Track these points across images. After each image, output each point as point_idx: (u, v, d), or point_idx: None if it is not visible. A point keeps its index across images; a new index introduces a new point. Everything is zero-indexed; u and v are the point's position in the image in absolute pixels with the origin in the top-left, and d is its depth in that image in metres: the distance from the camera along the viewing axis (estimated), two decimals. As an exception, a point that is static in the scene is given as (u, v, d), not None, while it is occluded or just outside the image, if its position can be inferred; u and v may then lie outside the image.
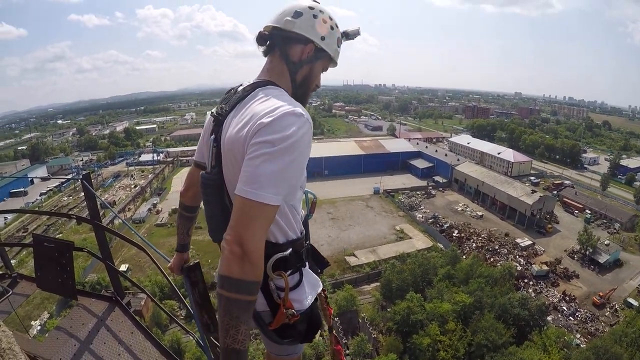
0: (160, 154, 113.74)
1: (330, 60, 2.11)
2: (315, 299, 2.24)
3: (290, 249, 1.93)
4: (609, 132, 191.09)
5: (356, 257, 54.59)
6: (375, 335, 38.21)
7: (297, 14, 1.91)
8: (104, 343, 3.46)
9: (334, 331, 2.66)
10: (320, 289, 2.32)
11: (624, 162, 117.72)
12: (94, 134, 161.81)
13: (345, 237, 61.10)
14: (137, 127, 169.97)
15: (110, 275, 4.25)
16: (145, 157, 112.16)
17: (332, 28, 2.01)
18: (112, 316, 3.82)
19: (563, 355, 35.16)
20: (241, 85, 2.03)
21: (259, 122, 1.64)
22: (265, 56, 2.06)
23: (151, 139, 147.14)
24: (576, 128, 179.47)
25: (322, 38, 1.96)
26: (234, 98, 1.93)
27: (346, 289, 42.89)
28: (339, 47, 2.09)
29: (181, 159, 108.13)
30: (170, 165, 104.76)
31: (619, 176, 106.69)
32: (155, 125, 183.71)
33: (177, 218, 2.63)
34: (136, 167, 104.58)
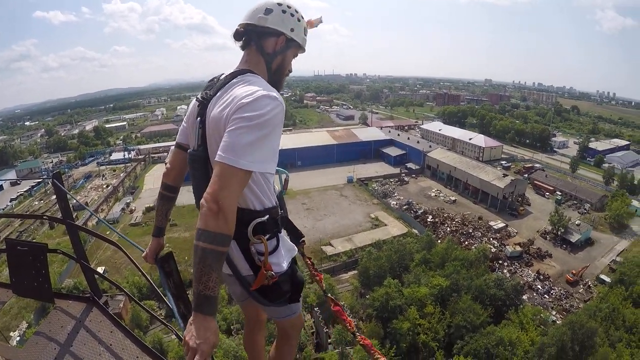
0: (132, 152, 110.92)
1: (299, 48, 2.45)
2: (295, 262, 2.57)
3: (267, 216, 2.27)
4: (578, 117, 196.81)
5: (332, 246, 54.46)
6: (355, 323, 38.12)
7: (268, 11, 2.24)
8: (84, 344, 3.46)
9: (329, 294, 2.93)
10: (296, 252, 2.64)
11: (592, 145, 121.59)
12: (62, 134, 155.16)
13: (321, 227, 60.80)
14: (107, 126, 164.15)
15: (86, 276, 4.19)
16: (117, 156, 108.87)
17: (298, 20, 2.34)
18: (90, 317, 3.81)
19: (540, 332, 35.92)
20: (223, 74, 2.33)
21: (239, 102, 1.94)
22: (243, 50, 2.36)
23: (122, 137, 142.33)
24: (545, 113, 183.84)
25: (292, 30, 2.30)
26: (217, 84, 2.23)
27: (324, 278, 42.31)
28: (305, 35, 2.43)
29: (153, 156, 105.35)
30: (142, 162, 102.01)
31: (588, 159, 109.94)
32: (125, 123, 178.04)
33: (158, 200, 2.79)
34: (107, 166, 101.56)
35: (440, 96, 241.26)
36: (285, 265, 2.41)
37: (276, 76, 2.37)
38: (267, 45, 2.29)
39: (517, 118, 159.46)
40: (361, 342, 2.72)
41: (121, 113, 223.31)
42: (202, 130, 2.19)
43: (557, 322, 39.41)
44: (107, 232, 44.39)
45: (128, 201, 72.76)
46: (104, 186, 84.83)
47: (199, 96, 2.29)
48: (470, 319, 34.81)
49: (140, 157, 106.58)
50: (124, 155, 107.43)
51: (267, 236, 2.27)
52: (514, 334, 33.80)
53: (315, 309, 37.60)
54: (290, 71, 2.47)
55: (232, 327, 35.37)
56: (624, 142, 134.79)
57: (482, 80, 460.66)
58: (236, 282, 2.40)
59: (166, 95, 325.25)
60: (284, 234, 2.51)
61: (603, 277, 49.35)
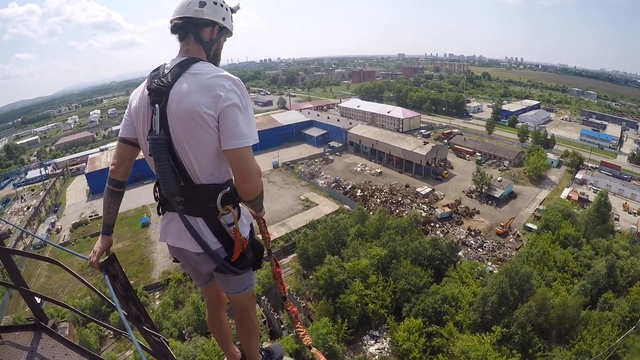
0: (48, 167, 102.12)
1: (229, 33, 2.73)
2: (251, 231, 2.91)
3: (229, 187, 2.59)
4: (489, 82, 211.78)
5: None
6: (304, 304, 38.38)
7: (202, 4, 2.47)
8: None
9: (272, 254, 3.39)
10: (252, 219, 2.99)
11: (505, 107, 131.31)
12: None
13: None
14: (18, 142, 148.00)
15: (27, 302, 3.84)
16: (33, 174, 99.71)
17: (226, 9, 2.62)
18: (41, 344, 3.62)
19: (480, 283, 37.92)
20: (165, 64, 2.54)
21: (219, 90, 2.31)
22: (181, 41, 2.57)
23: (35, 152, 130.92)
24: (458, 81, 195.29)
25: (223, 19, 2.58)
26: (173, 72, 2.41)
27: (265, 266, 41.71)
28: (232, 21, 2.70)
29: (71, 168, 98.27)
30: (61, 177, 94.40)
31: (502, 120, 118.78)
32: (37, 137, 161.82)
33: (107, 197, 2.83)
34: (25, 186, 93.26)
35: (356, 74, 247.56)
36: (247, 230, 2.78)
37: (214, 61, 2.64)
38: (205, 35, 2.55)
39: (431, 88, 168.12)
40: (288, 309, 3.07)
41: (31, 127, 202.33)
42: (162, 116, 2.38)
43: (494, 271, 41.90)
44: (40, 252, 40.77)
45: (52, 220, 67.02)
46: (25, 209, 77.66)
47: (148, 85, 2.47)
48: (413, 282, 36.00)
49: (57, 171, 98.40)
50: (41, 172, 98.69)
51: (232, 205, 2.59)
52: (456, 289, 35.54)
53: (262, 297, 37.12)
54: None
55: (183, 331, 34.32)
56: (534, 102, 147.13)
57: (396, 55, 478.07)
58: (206, 259, 2.67)
59: (77, 101, 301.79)
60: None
61: (530, 225, 53.44)
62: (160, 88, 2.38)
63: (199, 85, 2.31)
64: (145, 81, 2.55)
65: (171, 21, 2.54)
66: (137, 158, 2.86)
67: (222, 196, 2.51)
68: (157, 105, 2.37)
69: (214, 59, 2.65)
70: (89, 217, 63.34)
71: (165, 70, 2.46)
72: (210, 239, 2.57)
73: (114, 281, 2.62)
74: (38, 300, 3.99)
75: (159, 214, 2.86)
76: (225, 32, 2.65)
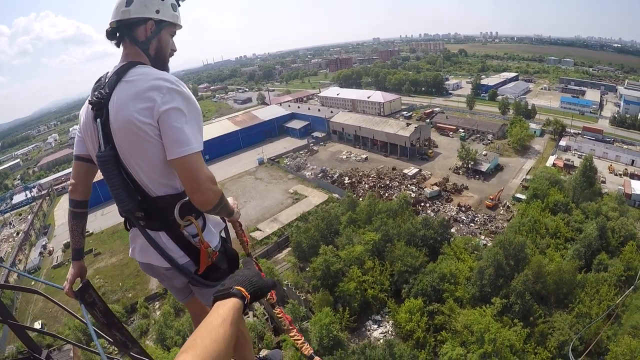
0: (33, 190, 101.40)
1: (173, 25, 2.49)
2: (224, 236, 2.76)
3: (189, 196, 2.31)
4: (466, 58, 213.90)
5: (260, 230, 53.60)
6: (304, 297, 38.53)
7: (129, 2, 2.28)
8: None
9: (252, 257, 2.89)
10: (224, 225, 2.79)
11: (484, 82, 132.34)
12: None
13: (244, 215, 59.28)
14: (0, 168, 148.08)
15: (18, 335, 3.66)
16: (19, 198, 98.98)
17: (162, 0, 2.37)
18: None
19: (475, 257, 38.43)
20: (107, 72, 2.34)
21: (158, 96, 2.10)
22: (118, 47, 2.41)
23: (19, 176, 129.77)
24: (435, 60, 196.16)
25: (157, 11, 2.33)
26: (109, 83, 2.23)
27: (261, 263, 41.97)
28: (175, 11, 2.45)
29: (56, 187, 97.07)
30: (47, 198, 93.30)
31: (482, 94, 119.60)
32: (19, 160, 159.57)
33: (70, 219, 2.73)
34: (12, 212, 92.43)
35: (333, 62, 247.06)
36: (217, 240, 2.61)
37: (158, 60, 2.44)
38: (139, 35, 2.35)
39: (409, 69, 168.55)
40: (280, 316, 2.76)
41: (12, 150, 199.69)
42: (105, 130, 2.22)
43: (488, 244, 42.21)
44: (32, 283, 40.55)
45: (44, 243, 66.16)
46: (14, 234, 76.51)
47: (90, 99, 2.30)
48: (409, 263, 36.37)
49: (43, 192, 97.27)
50: (26, 196, 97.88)
51: (194, 215, 2.42)
52: (453, 266, 35.87)
53: None
54: (174, 50, 2.58)
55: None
56: (512, 74, 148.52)
57: (371, 39, 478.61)
58: (176, 274, 2.49)
59: (55, 119, 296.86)
60: None
61: (518, 195, 54.16)
62: (99, 101, 2.22)
63: (134, 92, 2.12)
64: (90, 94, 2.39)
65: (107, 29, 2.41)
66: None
67: (180, 207, 2.35)
68: (98, 120, 2.23)
69: (158, 59, 2.45)
70: (80, 235, 62.63)
71: (107, 80, 2.28)
72: (176, 252, 2.42)
73: (92, 309, 2.52)
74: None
75: (126, 229, 2.69)
76: (166, 25, 2.42)
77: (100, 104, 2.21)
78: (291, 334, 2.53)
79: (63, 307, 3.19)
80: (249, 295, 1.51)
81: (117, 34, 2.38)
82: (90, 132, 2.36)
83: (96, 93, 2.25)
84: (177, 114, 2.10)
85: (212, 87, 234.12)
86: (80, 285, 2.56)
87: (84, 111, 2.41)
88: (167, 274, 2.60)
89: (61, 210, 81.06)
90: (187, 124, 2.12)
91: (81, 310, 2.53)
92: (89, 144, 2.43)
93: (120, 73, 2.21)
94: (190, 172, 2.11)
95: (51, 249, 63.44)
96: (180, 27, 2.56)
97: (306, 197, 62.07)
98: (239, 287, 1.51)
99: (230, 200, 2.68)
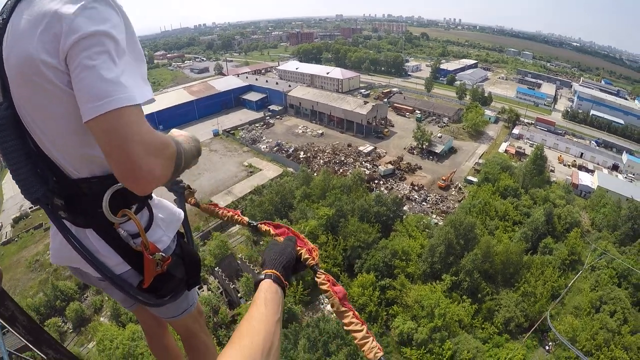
0: None
1: None
2: (181, 234, 1.99)
3: None
4: (428, 42, 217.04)
5: (214, 203, 52.36)
6: (258, 271, 37.59)
7: None
8: None
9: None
10: (182, 218, 1.99)
11: (443, 66, 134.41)
12: None
13: (197, 187, 57.33)
14: None
15: None
16: None
17: None
18: None
19: (427, 235, 39.17)
20: None
21: (65, 20, 1.20)
22: None
23: None
24: (397, 41, 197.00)
25: None
26: (6, 8, 1.42)
27: (215, 236, 41.53)
28: None
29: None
30: None
31: (440, 78, 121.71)
32: None
33: None
34: None
35: (294, 36, 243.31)
36: (169, 238, 1.81)
37: None
38: None
39: (370, 48, 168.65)
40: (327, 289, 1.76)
41: None
42: (2, 77, 1.41)
43: (439, 223, 43.34)
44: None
45: None
46: None
47: None
48: (362, 239, 36.69)
49: None
50: None
51: (134, 208, 1.65)
52: (405, 243, 36.58)
53: (215, 269, 36.47)
54: None
55: None
56: (471, 61, 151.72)
57: (334, 16, 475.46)
58: (112, 286, 1.69)
59: None
60: (155, 199, 1.87)
61: (470, 178, 55.74)
62: None
63: (33, 17, 1.27)
64: None
65: None
66: None
67: (111, 196, 1.52)
68: None
69: None
70: (29, 208, 58.67)
71: (8, 1, 1.44)
72: (112, 259, 1.64)
73: (13, 325, 1.92)
74: None
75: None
76: None
77: None
78: (350, 325, 1.48)
79: None
80: (276, 272, 1.43)
81: None
82: None
83: None
84: (96, 45, 1.19)
85: (168, 55, 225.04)
86: None
87: None
88: (103, 284, 1.93)
89: (9, 182, 76.32)
90: (111, 60, 1.20)
91: None
92: None
93: None
94: (111, 139, 1.17)
95: (0, 224, 59.74)
96: None
97: (261, 170, 61.20)
98: (266, 271, 1.46)
99: (180, 135, 1.87)
